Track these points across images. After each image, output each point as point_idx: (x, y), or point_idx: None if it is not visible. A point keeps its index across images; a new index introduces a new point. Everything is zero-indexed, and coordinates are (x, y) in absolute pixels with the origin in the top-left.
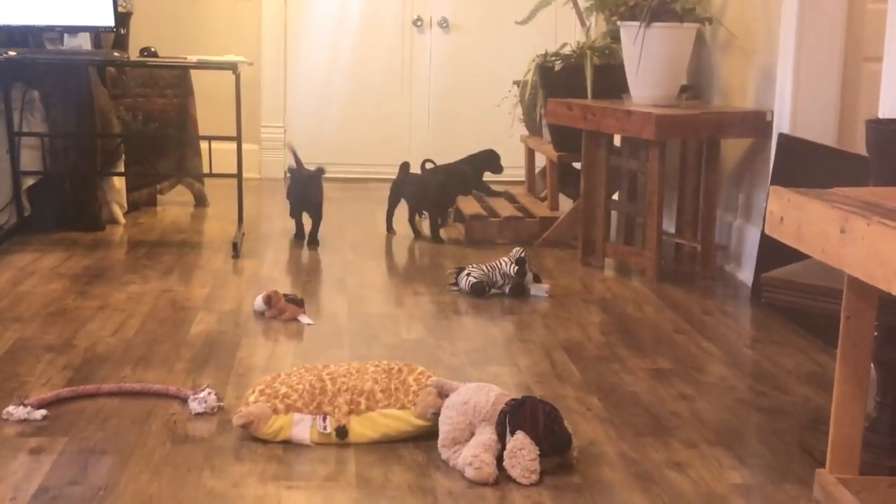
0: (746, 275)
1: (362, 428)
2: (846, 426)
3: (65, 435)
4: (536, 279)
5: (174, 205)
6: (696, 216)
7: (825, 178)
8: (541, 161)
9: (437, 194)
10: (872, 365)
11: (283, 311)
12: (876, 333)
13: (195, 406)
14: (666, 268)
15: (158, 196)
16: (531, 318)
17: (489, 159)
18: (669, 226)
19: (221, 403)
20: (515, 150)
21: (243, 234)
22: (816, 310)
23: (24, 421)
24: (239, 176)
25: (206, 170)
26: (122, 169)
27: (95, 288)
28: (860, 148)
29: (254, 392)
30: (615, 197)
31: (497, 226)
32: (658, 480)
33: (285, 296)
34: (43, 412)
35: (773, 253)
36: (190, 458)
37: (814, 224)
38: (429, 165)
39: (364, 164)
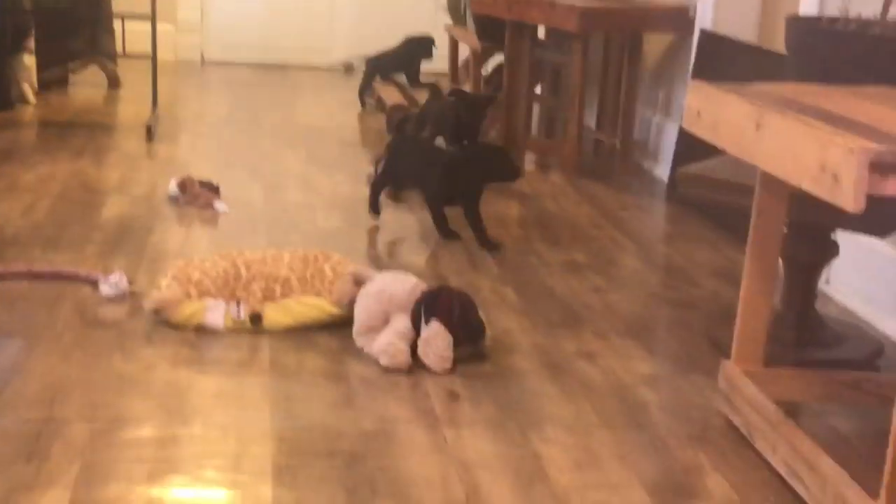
0: (663, 171)
1: (277, 315)
2: (752, 320)
3: None
4: None
5: (86, 85)
6: (616, 112)
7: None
8: (464, 52)
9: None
10: (780, 261)
11: (198, 196)
12: (785, 230)
13: (106, 290)
14: (585, 162)
15: (70, 76)
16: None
17: (426, 47)
18: (590, 121)
19: (133, 288)
20: (439, 41)
21: (158, 117)
22: (729, 205)
23: None
24: (153, 57)
25: (119, 50)
26: (32, 46)
27: (4, 168)
28: (781, 45)
29: (166, 277)
30: (538, 90)
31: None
32: (568, 370)
33: (200, 181)
34: None
35: (690, 150)
36: (100, 342)
37: (730, 119)
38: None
39: (284, 50)
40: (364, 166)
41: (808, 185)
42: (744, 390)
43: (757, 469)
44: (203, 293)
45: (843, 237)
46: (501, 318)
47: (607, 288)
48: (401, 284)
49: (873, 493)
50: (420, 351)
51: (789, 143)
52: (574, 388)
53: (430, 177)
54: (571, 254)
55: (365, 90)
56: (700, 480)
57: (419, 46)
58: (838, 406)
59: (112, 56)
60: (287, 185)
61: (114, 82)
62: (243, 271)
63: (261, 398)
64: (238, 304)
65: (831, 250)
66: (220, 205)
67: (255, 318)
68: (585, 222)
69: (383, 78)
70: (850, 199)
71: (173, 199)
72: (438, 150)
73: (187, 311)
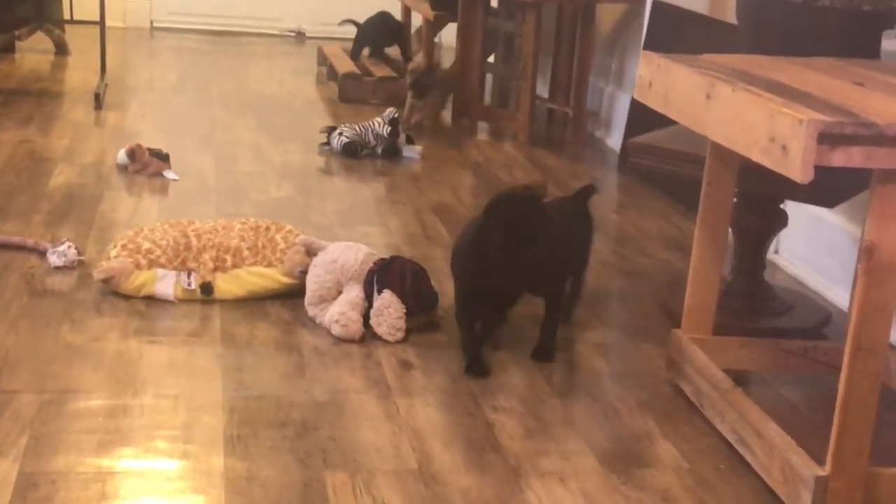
0: (615, 141)
1: (228, 285)
2: (702, 289)
3: None
4: (409, 140)
5: (33, 52)
6: (569, 81)
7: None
8: (417, 21)
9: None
10: (730, 231)
11: (148, 165)
12: (735, 200)
13: (54, 259)
14: (538, 132)
15: (17, 42)
16: (403, 179)
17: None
18: (543, 90)
19: (82, 257)
20: (391, 10)
21: (106, 84)
22: (679, 175)
23: None
24: (101, 23)
25: (66, 16)
26: None
27: None
28: (732, 16)
29: (115, 247)
30: (490, 59)
31: (371, 85)
32: (520, 337)
33: (150, 150)
34: None
35: (642, 120)
36: (48, 312)
37: (681, 89)
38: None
39: (235, 17)
40: (316, 136)
41: (757, 156)
42: (693, 359)
43: (706, 436)
44: (153, 263)
45: (791, 207)
46: (453, 287)
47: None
48: (353, 254)
49: (819, 460)
50: (372, 321)
51: (739, 113)
52: (526, 356)
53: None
54: None
55: (356, 57)
56: (650, 448)
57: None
58: (786, 374)
59: (59, 23)
60: (238, 154)
61: (61, 49)
62: (194, 241)
63: (212, 368)
64: (189, 273)
65: (780, 220)
66: (169, 173)
67: (206, 288)
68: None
69: (374, 49)
70: (798, 169)
71: (122, 168)
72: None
73: (137, 281)
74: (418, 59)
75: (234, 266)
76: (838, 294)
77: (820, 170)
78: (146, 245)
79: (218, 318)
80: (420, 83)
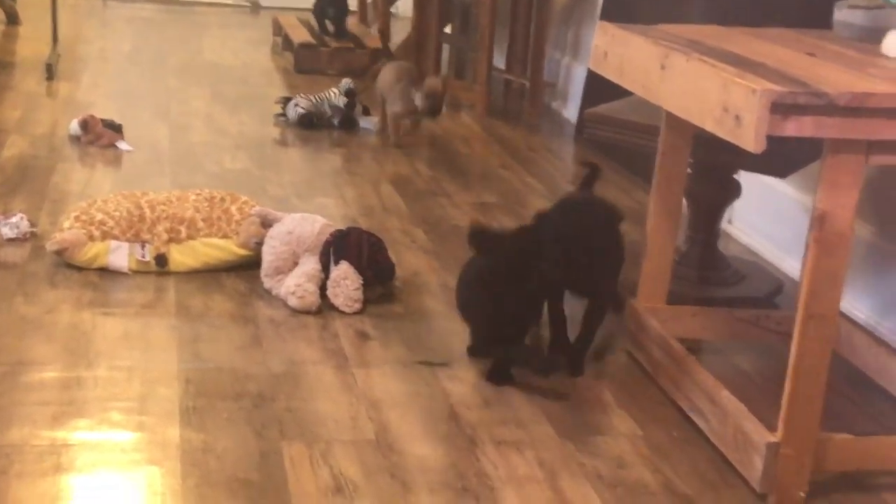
0: (572, 112)
1: (183, 256)
2: (657, 258)
3: None
4: (366, 112)
5: None
6: (526, 53)
7: (652, 17)
8: None
9: None
10: (685, 201)
11: (101, 136)
12: (689, 170)
13: (7, 231)
14: (495, 103)
15: None
16: (359, 150)
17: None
18: (500, 62)
19: (34, 229)
20: None
21: (58, 55)
22: (634, 146)
23: None
24: None
25: None
26: None
27: None
28: None
29: (69, 218)
30: (447, 30)
31: (327, 56)
32: None
33: (103, 121)
34: None
35: (598, 91)
36: (1, 284)
37: (636, 60)
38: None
39: None
40: (271, 106)
41: (711, 126)
42: (648, 328)
43: (660, 405)
44: (106, 234)
45: (745, 177)
46: (411, 258)
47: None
48: (309, 225)
49: (771, 427)
50: (329, 292)
51: (693, 84)
52: None
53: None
54: (481, 194)
55: (323, 31)
56: (605, 417)
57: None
58: (739, 343)
59: None
60: (193, 125)
61: (13, 18)
62: (148, 212)
63: (167, 340)
64: (143, 245)
65: (734, 190)
66: (123, 144)
67: (161, 260)
68: (495, 163)
69: (336, 19)
70: (751, 139)
71: (75, 139)
72: None
73: (90, 252)
74: (434, 82)
75: (189, 237)
76: (790, 263)
77: (772, 140)
78: (99, 216)
79: (173, 290)
80: (439, 107)
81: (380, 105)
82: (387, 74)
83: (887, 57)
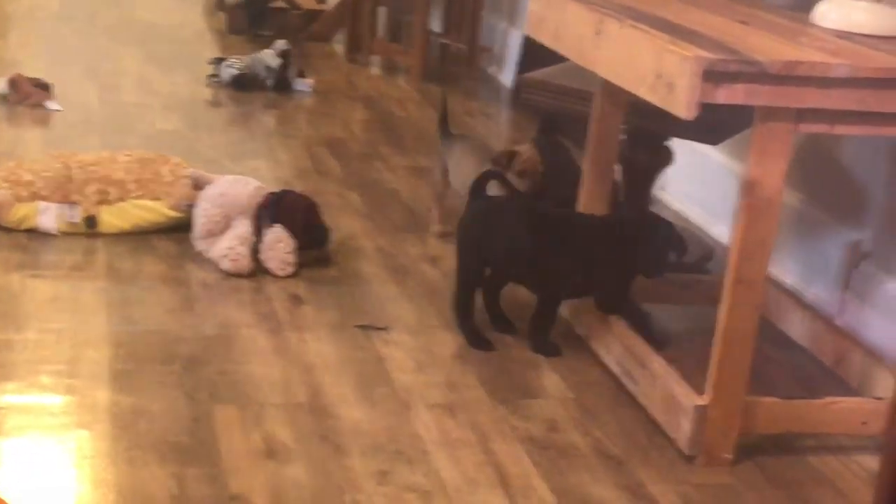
0: (508, 77)
1: (113, 218)
2: None
3: None
4: (301, 74)
5: None
6: (463, 16)
7: None
8: None
9: None
10: (618, 167)
11: (29, 95)
12: (623, 137)
13: None
14: (431, 67)
15: None
16: (294, 112)
17: None
18: (437, 25)
19: None
20: None
21: None
22: (570, 111)
23: None
24: None
25: None
26: None
27: None
28: None
29: None
30: None
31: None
32: (412, 273)
33: (31, 80)
34: None
35: (535, 56)
36: None
37: (571, 26)
38: None
39: None
40: (205, 67)
41: (644, 92)
42: None
43: (592, 368)
44: (35, 195)
45: (678, 145)
46: (346, 222)
47: (451, 193)
48: (242, 188)
49: (700, 390)
50: (262, 255)
51: (627, 50)
52: (417, 291)
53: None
54: (416, 158)
55: None
56: (538, 379)
57: None
58: (670, 307)
59: None
60: (123, 85)
61: None
62: (77, 173)
63: (97, 303)
64: (72, 206)
65: (666, 157)
66: (52, 104)
67: (90, 222)
68: (431, 127)
69: None
70: (683, 106)
71: (2, 99)
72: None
73: (19, 213)
74: (530, 154)
75: (119, 199)
76: (721, 230)
77: (704, 107)
78: (27, 177)
79: (103, 252)
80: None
81: (437, 200)
82: (464, 160)
83: (818, 26)
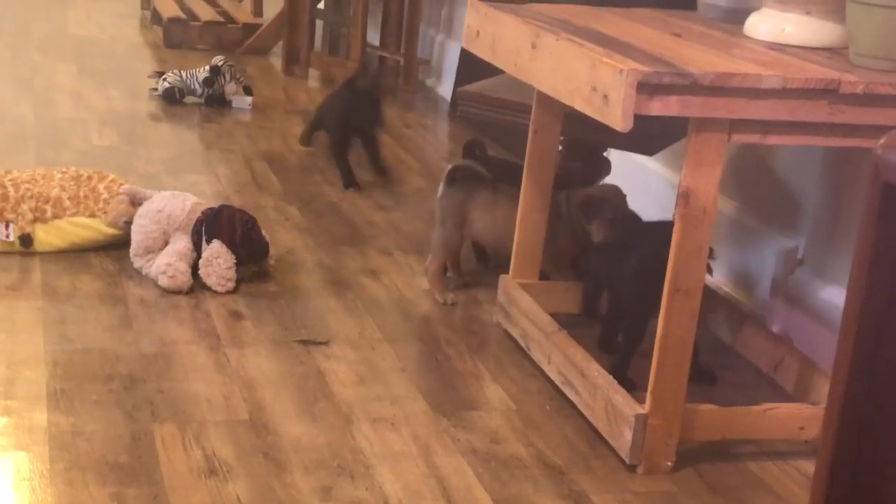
0: (446, 89)
1: (49, 236)
2: (529, 235)
3: None
4: (248, 91)
5: None
6: (400, 29)
7: None
8: None
9: None
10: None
11: None
12: (560, 148)
13: None
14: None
15: None
16: (232, 127)
17: None
18: (374, 38)
19: None
20: None
21: None
22: (507, 123)
23: None
24: None
25: None
26: None
27: None
28: None
29: None
30: (321, 5)
31: (198, 30)
32: (353, 286)
33: None
34: None
35: (473, 68)
36: None
37: (507, 39)
38: None
39: None
40: (141, 81)
41: (580, 105)
42: (520, 303)
43: (533, 378)
44: None
45: (615, 155)
46: (285, 236)
47: (392, 205)
48: (180, 203)
49: (640, 398)
50: (201, 271)
51: (563, 63)
52: (358, 304)
53: None
54: (356, 171)
55: None
56: (479, 391)
57: None
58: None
59: None
60: (58, 101)
61: None
62: (11, 191)
63: (33, 322)
64: (7, 225)
65: (604, 167)
66: None
67: (26, 240)
68: None
69: None
70: (618, 118)
71: None
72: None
73: None
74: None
75: (55, 217)
76: None
77: (639, 118)
78: None
79: (38, 271)
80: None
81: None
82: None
83: (750, 38)
